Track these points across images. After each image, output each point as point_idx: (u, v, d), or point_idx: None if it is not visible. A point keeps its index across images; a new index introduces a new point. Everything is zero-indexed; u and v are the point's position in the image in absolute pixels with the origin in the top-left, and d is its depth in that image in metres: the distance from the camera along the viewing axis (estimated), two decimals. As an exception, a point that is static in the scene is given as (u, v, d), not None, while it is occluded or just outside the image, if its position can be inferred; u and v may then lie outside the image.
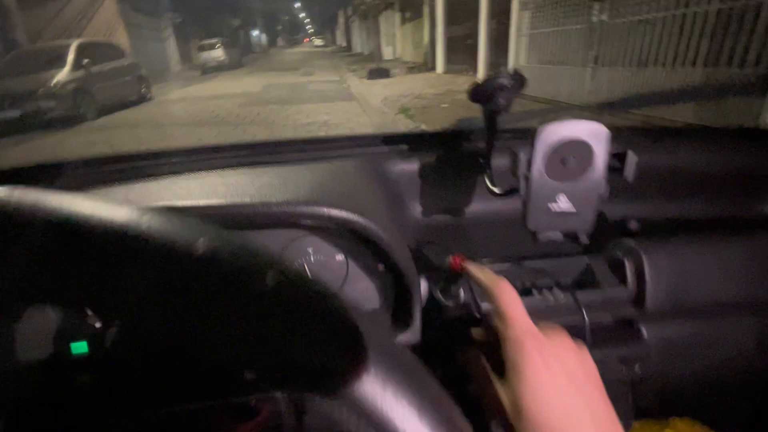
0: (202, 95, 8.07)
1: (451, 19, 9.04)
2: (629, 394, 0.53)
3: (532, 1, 5.49)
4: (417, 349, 0.47)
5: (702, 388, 0.55)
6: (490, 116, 0.54)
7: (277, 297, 0.14)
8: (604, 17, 4.34)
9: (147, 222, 0.15)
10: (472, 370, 0.33)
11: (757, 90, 2.95)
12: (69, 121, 5.73)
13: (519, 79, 0.53)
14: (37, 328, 0.43)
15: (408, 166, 0.64)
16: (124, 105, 7.21)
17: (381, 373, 0.14)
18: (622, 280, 0.51)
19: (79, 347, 0.43)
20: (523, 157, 0.40)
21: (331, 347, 0.14)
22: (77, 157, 0.62)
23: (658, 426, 0.89)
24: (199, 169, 0.56)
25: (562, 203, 0.40)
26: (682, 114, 3.53)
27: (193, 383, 0.44)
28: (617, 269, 0.52)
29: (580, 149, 0.38)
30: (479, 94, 0.53)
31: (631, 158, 0.38)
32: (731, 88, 3.09)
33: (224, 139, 3.68)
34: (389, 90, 6.90)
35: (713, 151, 0.66)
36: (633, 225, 0.59)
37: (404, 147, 0.67)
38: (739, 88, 3.05)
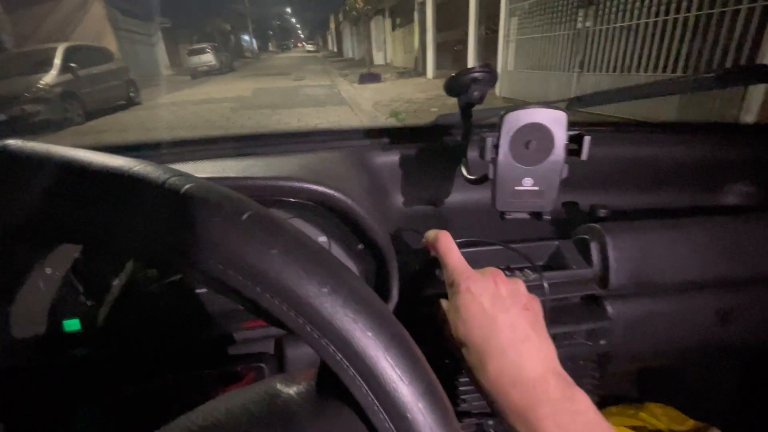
0: (192, 99, 8.00)
1: (441, 26, 9.17)
2: (596, 369, 0.56)
3: (519, 7, 5.59)
4: None
5: (666, 361, 0.58)
6: (466, 108, 0.57)
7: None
8: (589, 24, 4.45)
9: (143, 167, 0.18)
10: (438, 318, 0.36)
11: (734, 95, 3.06)
12: (56, 124, 5.66)
13: (491, 73, 0.56)
14: (29, 307, 0.44)
15: (390, 158, 0.67)
16: (113, 109, 7.15)
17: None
18: (589, 260, 0.54)
19: (72, 324, 0.45)
20: (490, 142, 0.43)
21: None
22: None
23: (634, 410, 0.92)
24: (188, 160, 0.58)
25: (527, 184, 0.44)
26: (666, 118, 3.63)
27: (183, 355, 0.46)
28: (584, 251, 0.55)
29: (541, 133, 0.41)
30: (455, 86, 0.56)
31: (587, 140, 0.41)
32: (711, 93, 3.19)
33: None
34: (380, 95, 6.95)
35: (677, 143, 0.71)
36: (602, 212, 0.62)
37: (386, 140, 0.70)
38: (718, 93, 3.15)
